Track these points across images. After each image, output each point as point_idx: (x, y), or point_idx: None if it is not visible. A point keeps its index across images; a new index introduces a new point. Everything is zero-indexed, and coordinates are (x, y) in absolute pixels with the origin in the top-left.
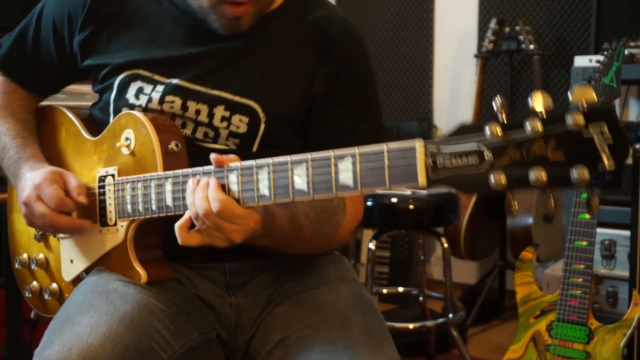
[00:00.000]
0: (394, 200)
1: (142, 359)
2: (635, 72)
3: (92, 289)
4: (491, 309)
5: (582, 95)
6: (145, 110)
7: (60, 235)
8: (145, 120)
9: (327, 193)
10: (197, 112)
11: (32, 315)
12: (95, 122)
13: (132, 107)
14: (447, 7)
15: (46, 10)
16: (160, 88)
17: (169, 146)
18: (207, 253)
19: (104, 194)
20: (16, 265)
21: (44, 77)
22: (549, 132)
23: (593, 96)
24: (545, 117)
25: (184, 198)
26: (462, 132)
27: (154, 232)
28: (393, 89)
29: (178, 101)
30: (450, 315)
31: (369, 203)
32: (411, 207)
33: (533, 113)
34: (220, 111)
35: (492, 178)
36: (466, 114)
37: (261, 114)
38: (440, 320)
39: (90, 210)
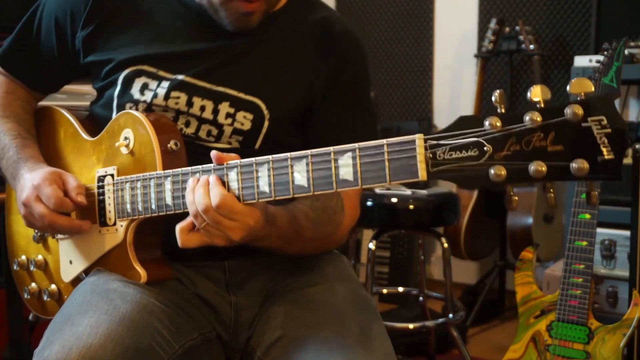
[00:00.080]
0: (394, 200)
1: (142, 358)
2: (635, 72)
3: (92, 289)
4: (491, 309)
5: (580, 87)
6: (150, 105)
7: (59, 236)
8: (144, 120)
9: (328, 188)
10: (202, 108)
11: (30, 316)
12: (95, 120)
13: (136, 102)
14: (447, 7)
15: (48, 7)
16: (165, 84)
17: (168, 145)
18: (207, 251)
19: (103, 194)
20: (14, 267)
21: (44, 73)
22: (548, 123)
23: (591, 88)
24: (544, 108)
25: (183, 196)
26: (461, 124)
27: (153, 232)
28: (393, 89)
29: (183, 97)
30: (450, 315)
31: (369, 203)
32: (411, 207)
33: (532, 105)
34: (225, 107)
35: (491, 171)
36: (466, 114)
37: (265, 111)
38: (440, 320)
39: (90, 210)
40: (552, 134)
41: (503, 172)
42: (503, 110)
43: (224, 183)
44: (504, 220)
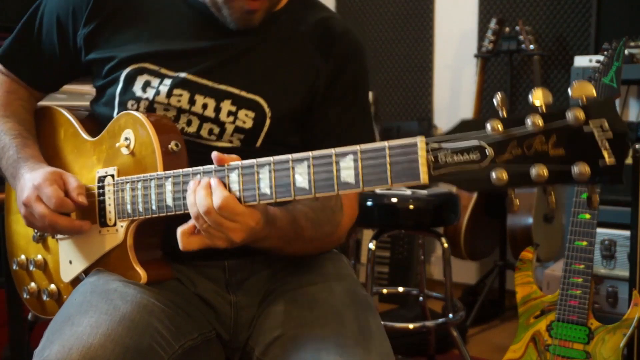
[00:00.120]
0: (394, 200)
1: (142, 358)
2: (635, 72)
3: (91, 289)
4: (491, 309)
5: (581, 90)
6: (152, 103)
7: (59, 236)
8: (145, 120)
9: (329, 191)
10: (204, 106)
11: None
12: (96, 120)
13: (138, 100)
14: (447, 7)
15: (49, 5)
16: (167, 81)
17: (169, 146)
18: (207, 251)
19: (103, 194)
20: (14, 267)
21: (45, 72)
22: (550, 127)
23: (592, 91)
24: (545, 112)
25: (184, 198)
26: (463, 128)
27: (153, 233)
28: (393, 89)
29: (186, 95)
30: (450, 315)
31: (369, 203)
32: (411, 207)
33: (533, 109)
34: (227, 105)
35: (493, 174)
36: (466, 114)
37: (267, 109)
38: (440, 320)
39: (90, 210)
40: (553, 138)
41: (505, 175)
42: (505, 114)
43: (225, 185)
44: (504, 220)
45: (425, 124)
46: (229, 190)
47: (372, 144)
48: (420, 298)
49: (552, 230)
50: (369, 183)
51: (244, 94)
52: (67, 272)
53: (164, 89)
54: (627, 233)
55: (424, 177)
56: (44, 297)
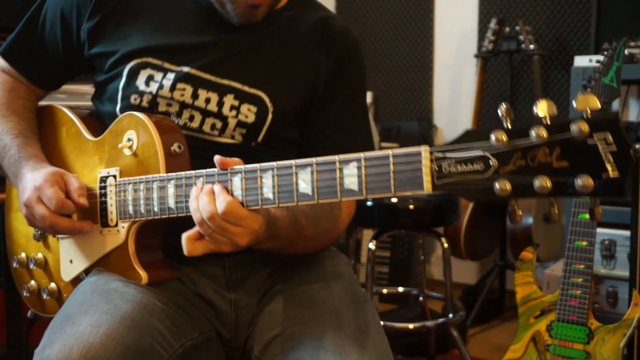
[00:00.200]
0: (394, 200)
1: (143, 358)
2: (635, 72)
3: (92, 288)
4: (491, 309)
5: (586, 103)
6: (155, 97)
7: (60, 235)
8: (148, 122)
9: (332, 197)
10: (207, 100)
11: (28, 314)
12: (97, 118)
13: (142, 94)
14: (447, 7)
15: (54, 0)
16: (171, 76)
17: (172, 148)
18: None
19: (105, 194)
20: (14, 265)
21: (47, 68)
22: (554, 139)
23: (597, 104)
24: (549, 124)
25: (186, 200)
26: (467, 138)
27: (155, 234)
28: (393, 89)
29: (189, 89)
30: (450, 315)
31: (369, 203)
32: (411, 207)
33: (538, 120)
34: (229, 100)
35: (496, 185)
36: (466, 114)
37: (269, 104)
38: (440, 320)
39: (91, 210)
40: (557, 150)
41: (508, 186)
42: (509, 125)
43: (227, 190)
44: (504, 220)
45: (425, 124)
46: (232, 194)
47: (376, 152)
48: (420, 298)
49: (552, 230)
50: (372, 191)
51: (246, 88)
52: (68, 271)
53: (167, 83)
54: (627, 233)
55: (427, 187)
56: (44, 296)
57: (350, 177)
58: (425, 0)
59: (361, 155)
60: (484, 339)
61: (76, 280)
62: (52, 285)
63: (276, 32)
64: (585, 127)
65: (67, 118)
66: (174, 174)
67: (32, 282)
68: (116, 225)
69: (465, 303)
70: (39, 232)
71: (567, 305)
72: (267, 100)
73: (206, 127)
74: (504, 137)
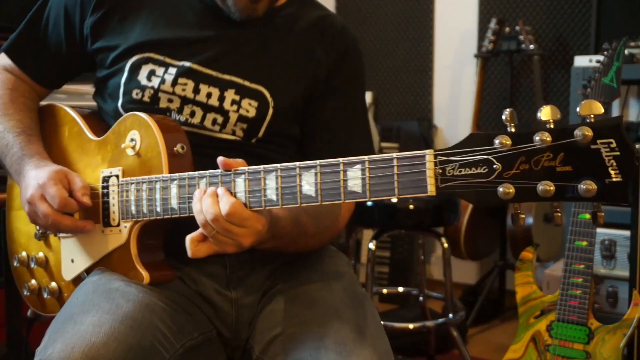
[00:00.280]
0: (394, 200)
1: (145, 357)
2: (635, 72)
3: (94, 288)
4: (491, 309)
5: (590, 109)
6: (157, 92)
7: (62, 234)
8: (151, 122)
9: (335, 199)
10: (209, 95)
11: (28, 313)
12: (99, 117)
13: (143, 89)
14: (447, 7)
15: None
16: (172, 70)
17: (175, 148)
18: None
19: (107, 194)
20: (14, 264)
21: (50, 66)
22: (558, 144)
23: (601, 110)
24: (553, 129)
25: (189, 201)
26: (471, 141)
27: (156, 234)
28: (393, 89)
29: (190, 84)
30: (450, 315)
31: (369, 203)
32: (411, 207)
33: (542, 125)
34: (230, 95)
35: (500, 189)
36: (466, 114)
37: (270, 99)
38: (440, 320)
39: (93, 210)
40: (561, 155)
41: (511, 190)
42: (513, 129)
43: (230, 192)
44: (504, 220)
45: (425, 124)
46: (235, 195)
47: (380, 155)
48: (420, 298)
49: (552, 230)
50: (375, 193)
51: (247, 83)
52: (69, 271)
53: (169, 77)
54: (627, 233)
55: (431, 190)
56: (45, 295)
57: (354, 179)
58: (425, 0)
59: (365, 158)
60: (484, 339)
61: (77, 280)
62: (53, 284)
63: (276, 28)
64: (589, 132)
65: (70, 117)
66: (177, 174)
67: (33, 281)
68: (118, 225)
69: (465, 303)
70: (40, 231)
71: (567, 305)
72: (267, 95)
73: (207, 123)
74: (508, 142)
